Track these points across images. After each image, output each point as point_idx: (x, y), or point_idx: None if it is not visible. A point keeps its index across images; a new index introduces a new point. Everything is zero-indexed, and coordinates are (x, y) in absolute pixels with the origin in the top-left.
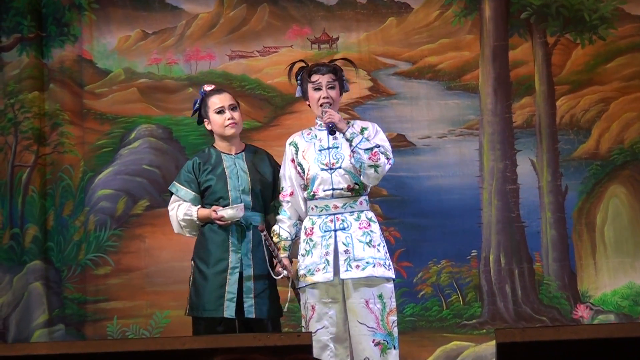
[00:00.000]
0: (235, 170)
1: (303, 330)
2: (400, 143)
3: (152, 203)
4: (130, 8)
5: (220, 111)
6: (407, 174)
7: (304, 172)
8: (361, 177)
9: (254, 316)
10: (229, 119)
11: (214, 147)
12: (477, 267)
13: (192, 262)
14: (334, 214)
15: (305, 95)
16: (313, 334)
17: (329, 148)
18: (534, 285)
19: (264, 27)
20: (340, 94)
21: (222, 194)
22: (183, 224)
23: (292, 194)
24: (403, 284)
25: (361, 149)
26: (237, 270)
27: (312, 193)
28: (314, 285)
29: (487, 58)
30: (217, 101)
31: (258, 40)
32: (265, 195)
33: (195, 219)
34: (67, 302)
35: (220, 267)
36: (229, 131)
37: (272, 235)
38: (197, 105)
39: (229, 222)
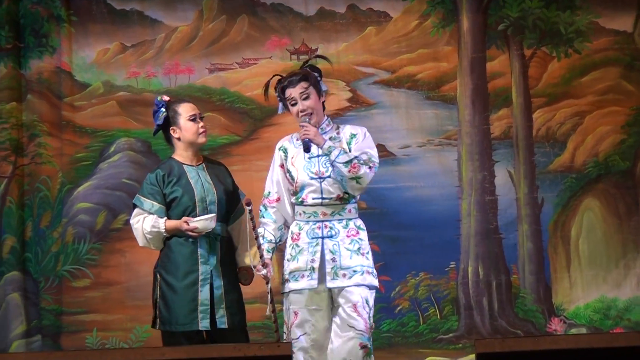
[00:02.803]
0: (200, 181)
1: (284, 335)
2: (380, 153)
3: None
4: (109, 21)
5: (194, 119)
6: (386, 185)
7: (293, 179)
8: (345, 189)
9: (226, 326)
10: (202, 127)
11: (174, 158)
12: (455, 279)
13: (157, 274)
14: (322, 221)
15: (286, 108)
16: (294, 340)
17: (318, 156)
18: (511, 298)
19: (243, 39)
20: (320, 97)
21: (189, 205)
22: (149, 236)
23: (278, 199)
24: (381, 299)
25: (340, 162)
26: (208, 281)
27: (300, 199)
28: (299, 291)
29: (465, 69)
30: (189, 109)
31: (237, 52)
32: (229, 206)
33: (163, 231)
34: (44, 313)
35: (190, 280)
36: (202, 139)
37: (256, 236)
38: (163, 114)
39: (202, 232)
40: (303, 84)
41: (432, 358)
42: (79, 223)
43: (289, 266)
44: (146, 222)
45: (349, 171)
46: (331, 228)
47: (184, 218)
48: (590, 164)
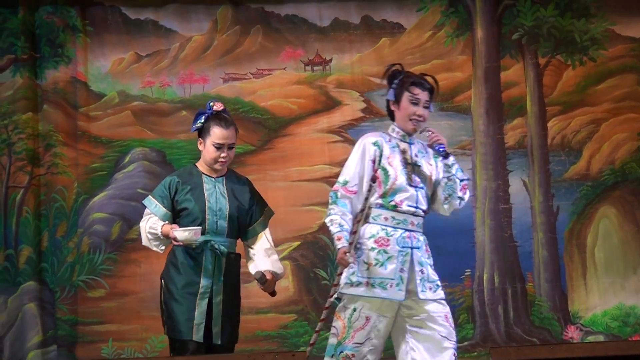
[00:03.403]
0: (215, 194)
1: (336, 339)
2: None
3: None
4: (124, 30)
5: (219, 147)
6: None
7: (387, 179)
8: (443, 205)
9: (220, 342)
10: (223, 157)
11: (196, 166)
12: (470, 287)
13: (162, 280)
14: (411, 231)
15: (396, 101)
16: (355, 344)
17: (413, 164)
18: (526, 306)
19: (257, 50)
20: None
21: (199, 216)
22: (149, 236)
23: (355, 192)
24: None
25: (458, 178)
26: (207, 296)
27: (393, 204)
28: (379, 298)
29: (479, 79)
30: (219, 136)
31: (251, 62)
32: (241, 223)
33: (159, 233)
34: (60, 324)
35: (189, 290)
36: (217, 167)
37: (331, 224)
38: (200, 123)
39: (183, 243)
40: (429, 94)
41: None
42: (95, 233)
43: (372, 271)
44: (149, 222)
45: (460, 189)
46: (417, 239)
47: (172, 225)
48: (606, 171)
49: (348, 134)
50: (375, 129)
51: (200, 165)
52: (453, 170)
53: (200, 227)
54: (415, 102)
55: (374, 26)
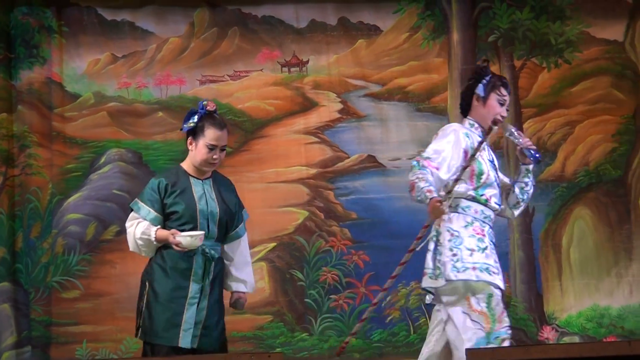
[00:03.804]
0: (205, 197)
1: (483, 331)
2: (370, 164)
3: (123, 229)
4: (100, 32)
5: (212, 148)
6: (377, 195)
7: (481, 173)
8: (511, 208)
9: (196, 346)
10: (214, 158)
11: (182, 167)
12: None
13: (146, 282)
14: (491, 228)
15: (484, 97)
16: (507, 327)
17: (492, 162)
18: None
19: (234, 51)
20: None
21: (189, 220)
22: (140, 242)
23: (437, 169)
24: None
25: (533, 185)
26: (196, 300)
27: (484, 198)
28: (493, 284)
29: (455, 81)
30: (214, 137)
31: (228, 64)
32: (228, 225)
33: (153, 239)
34: (34, 324)
35: (178, 295)
36: (207, 169)
37: (418, 181)
38: (193, 123)
39: (185, 249)
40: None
41: None
42: (69, 234)
43: (477, 256)
44: (139, 227)
45: (529, 198)
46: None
47: (172, 230)
48: (581, 173)
49: (325, 135)
50: (352, 131)
51: (187, 166)
52: (531, 177)
53: (203, 232)
54: (502, 103)
55: (350, 28)
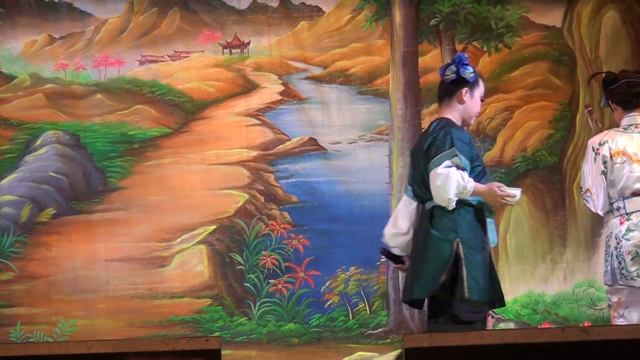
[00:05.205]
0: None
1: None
2: (311, 147)
3: (59, 211)
4: (37, 12)
5: (482, 99)
6: (317, 179)
7: None
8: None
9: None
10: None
11: (452, 120)
12: (385, 273)
13: (456, 243)
14: None
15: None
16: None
17: None
18: None
19: (174, 32)
20: None
21: (482, 174)
22: (458, 190)
23: None
24: (310, 293)
25: None
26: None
27: None
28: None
29: (397, 63)
30: (484, 90)
31: (169, 44)
32: None
33: (470, 190)
34: None
35: (486, 252)
36: (472, 123)
37: None
38: (472, 73)
39: (512, 203)
40: None
41: (360, 353)
42: (3, 216)
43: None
44: (461, 175)
45: None
46: None
47: (495, 183)
48: (518, 158)
49: (266, 117)
50: (293, 113)
51: (456, 120)
52: None
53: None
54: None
55: (292, 9)
